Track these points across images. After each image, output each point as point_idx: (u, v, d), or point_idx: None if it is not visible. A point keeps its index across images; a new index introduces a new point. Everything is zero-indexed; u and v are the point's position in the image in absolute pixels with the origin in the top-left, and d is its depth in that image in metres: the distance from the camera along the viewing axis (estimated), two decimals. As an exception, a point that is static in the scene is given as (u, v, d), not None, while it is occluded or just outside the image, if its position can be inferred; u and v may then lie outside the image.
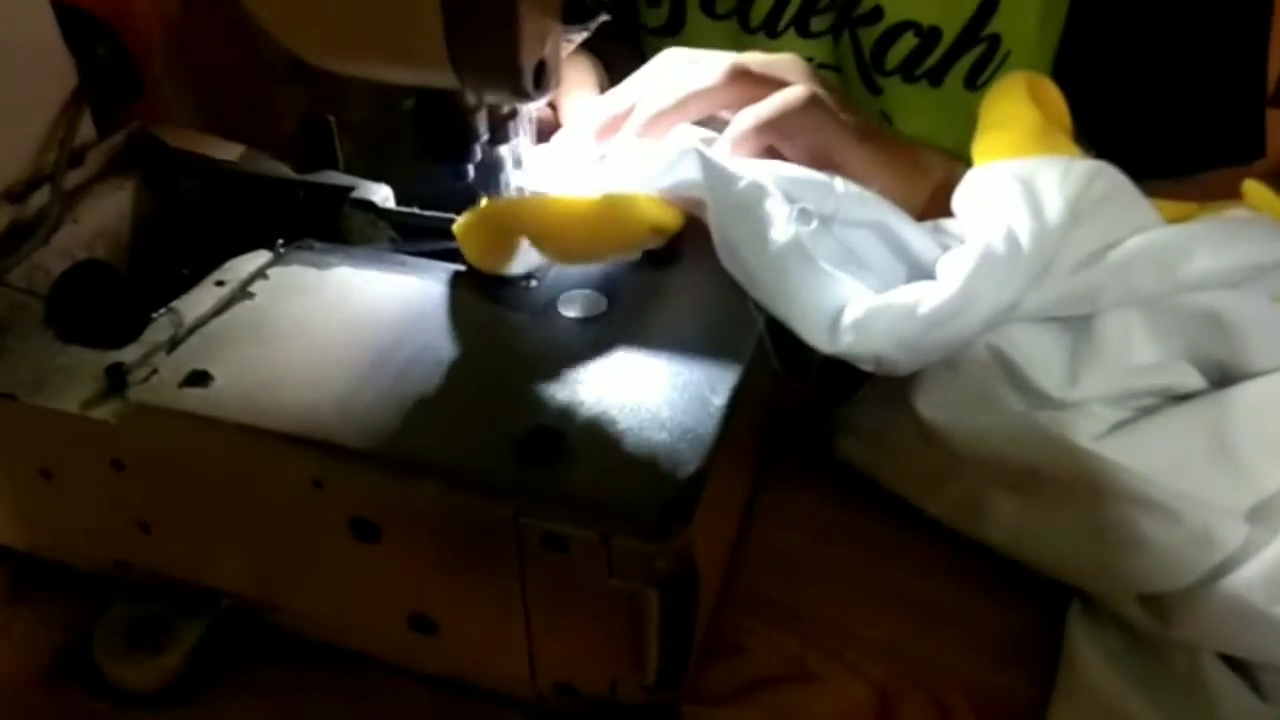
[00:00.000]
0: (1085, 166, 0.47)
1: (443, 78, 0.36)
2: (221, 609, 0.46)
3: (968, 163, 0.52)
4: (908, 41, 0.76)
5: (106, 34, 0.61)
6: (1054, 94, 0.53)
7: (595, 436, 0.38)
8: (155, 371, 0.41)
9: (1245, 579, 0.41)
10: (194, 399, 0.40)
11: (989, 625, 0.48)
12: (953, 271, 0.45)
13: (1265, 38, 0.75)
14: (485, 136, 0.40)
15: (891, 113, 0.80)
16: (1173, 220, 0.50)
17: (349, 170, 0.54)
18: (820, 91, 0.53)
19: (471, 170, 0.41)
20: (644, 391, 0.40)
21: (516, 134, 0.42)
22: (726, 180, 0.45)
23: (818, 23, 0.79)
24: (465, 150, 0.39)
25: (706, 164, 0.45)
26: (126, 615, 0.46)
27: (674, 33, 0.84)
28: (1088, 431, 0.45)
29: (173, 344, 0.43)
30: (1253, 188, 0.51)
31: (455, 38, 0.34)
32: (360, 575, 0.41)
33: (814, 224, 0.46)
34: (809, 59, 0.80)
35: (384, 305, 0.44)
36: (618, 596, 0.37)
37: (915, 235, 0.49)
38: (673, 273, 0.47)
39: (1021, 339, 0.47)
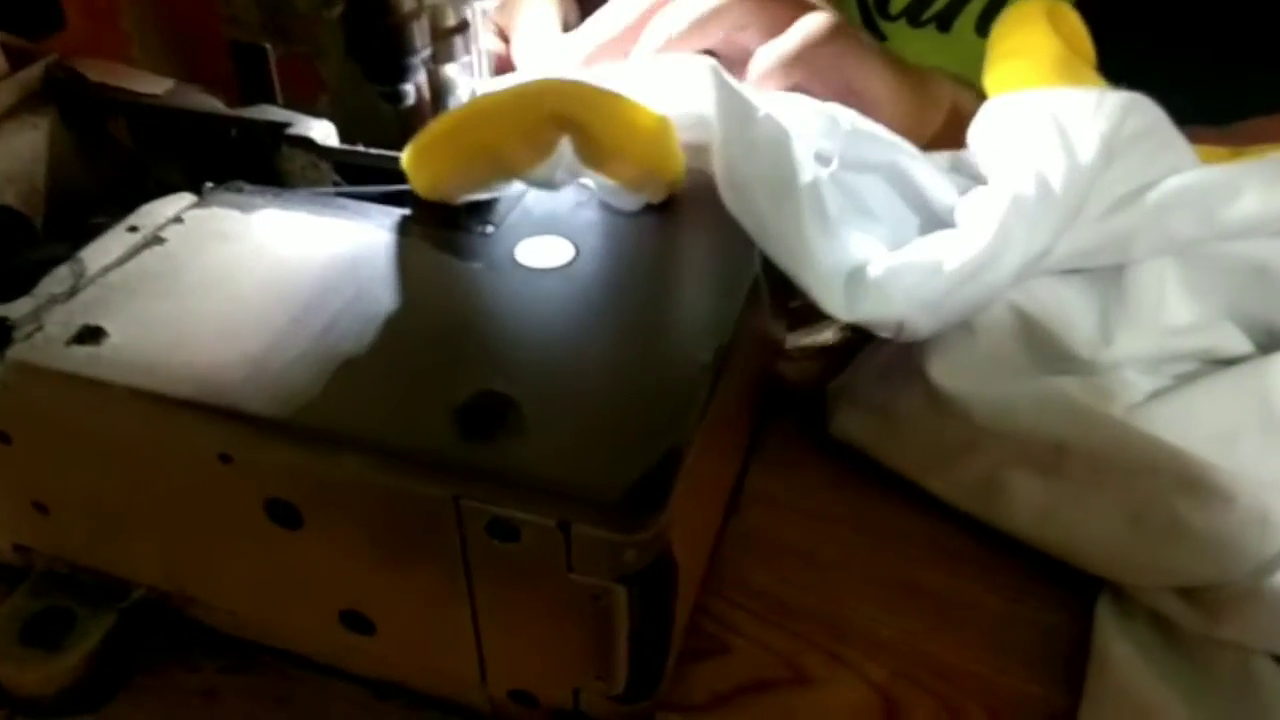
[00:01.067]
0: (1119, 99, 0.42)
1: (369, -28, 0.30)
2: (132, 602, 0.40)
3: (977, 92, 0.48)
4: None
5: (21, -45, 0.55)
6: (1076, 23, 0.48)
7: (554, 405, 0.32)
8: (41, 327, 0.35)
9: None
10: (81, 358, 0.34)
11: (1010, 621, 0.42)
12: (979, 220, 0.40)
13: None
14: (426, 52, 0.34)
15: None
16: (1210, 159, 0.45)
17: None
18: (841, 16, 0.48)
19: (411, 92, 0.35)
20: (614, 352, 0.34)
21: (466, 52, 0.36)
22: (743, 111, 0.40)
23: None
24: (399, 67, 0.33)
25: (722, 88, 0.40)
26: (24, 608, 0.40)
27: None
28: (1122, 400, 0.40)
29: (69, 296, 0.37)
30: None
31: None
32: (283, 565, 0.35)
33: (833, 166, 0.41)
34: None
35: (312, 254, 0.38)
36: (579, 593, 0.31)
37: (930, 177, 0.43)
38: (649, 217, 0.41)
39: (1046, 296, 0.42)
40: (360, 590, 0.35)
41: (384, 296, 0.36)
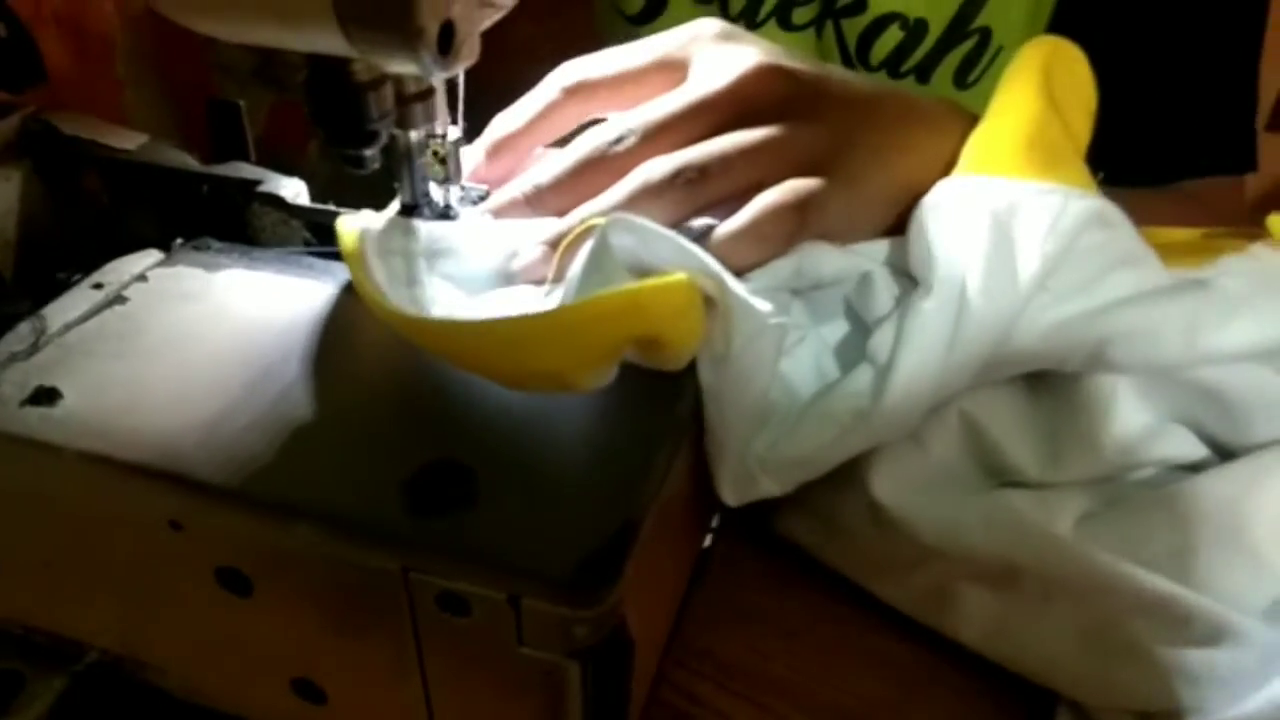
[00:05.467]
0: (1083, 213, 0.39)
1: (331, 40, 0.30)
2: (85, 665, 0.39)
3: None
4: (893, 34, 0.72)
5: (4, 12, 0.55)
6: (1078, 68, 0.45)
7: (507, 476, 0.32)
8: (-4, 387, 0.35)
9: (1274, 696, 0.34)
10: (34, 420, 0.33)
11: (985, 689, 0.41)
12: (885, 363, 0.38)
13: (1258, 43, 0.72)
14: (390, 118, 0.34)
15: None
16: (1180, 245, 0.43)
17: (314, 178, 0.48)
18: (782, 62, 0.43)
19: (375, 158, 0.35)
20: (570, 424, 0.34)
21: (432, 118, 0.36)
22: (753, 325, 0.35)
23: (800, 14, 0.75)
24: (361, 133, 0.33)
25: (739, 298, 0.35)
26: (-27, 670, 0.39)
27: (652, 18, 0.79)
28: (1072, 515, 0.38)
29: (29, 354, 0.37)
30: (1277, 222, 0.44)
31: (340, -11, 0.28)
32: (234, 632, 0.35)
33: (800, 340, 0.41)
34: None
35: (273, 317, 0.38)
36: (531, 669, 0.30)
37: (880, 294, 0.41)
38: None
39: (995, 406, 0.41)
40: (311, 659, 0.34)
41: (342, 361, 0.36)
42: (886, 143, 0.44)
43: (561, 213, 0.40)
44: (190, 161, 0.48)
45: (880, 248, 0.43)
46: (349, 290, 0.40)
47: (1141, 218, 0.42)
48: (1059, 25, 0.70)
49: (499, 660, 0.31)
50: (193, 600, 0.34)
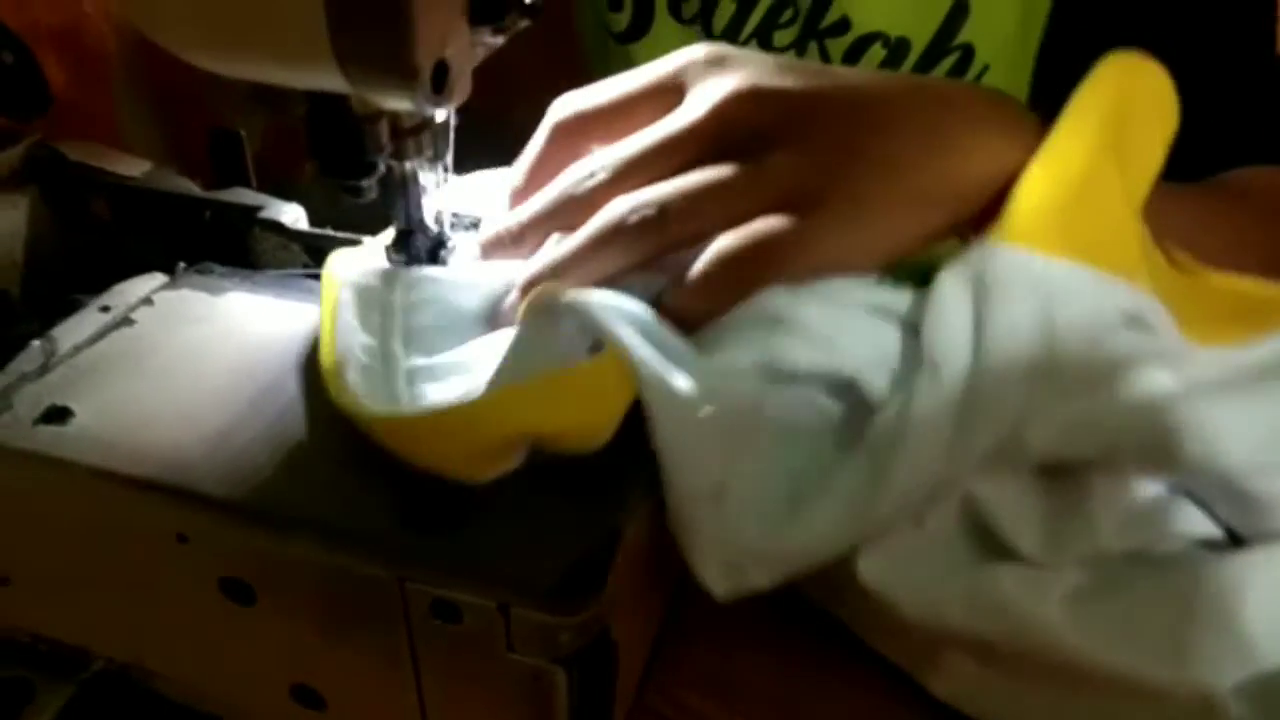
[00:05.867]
0: (1113, 312, 0.36)
1: (330, 79, 0.31)
2: (92, 673, 0.41)
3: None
4: (876, 53, 0.73)
5: (11, 40, 0.56)
6: (1158, 89, 0.39)
7: (498, 489, 0.33)
8: (10, 406, 0.37)
9: None
10: (48, 438, 0.35)
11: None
12: (885, 452, 0.35)
13: (1271, 35, 0.70)
14: (387, 150, 0.36)
15: None
16: (1232, 301, 0.40)
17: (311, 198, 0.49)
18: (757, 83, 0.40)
19: (372, 188, 0.37)
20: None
21: (426, 150, 0.38)
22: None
23: (781, 36, 0.76)
24: (359, 165, 0.35)
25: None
26: (-16, 679, 0.41)
27: (638, 36, 0.80)
28: (1063, 591, 0.36)
29: (40, 375, 0.38)
30: None
31: (340, 31, 0.30)
32: (237, 640, 0.36)
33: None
34: None
35: (275, 337, 0.40)
36: (520, 673, 0.32)
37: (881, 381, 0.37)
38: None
39: (996, 480, 0.38)
40: (311, 666, 0.36)
41: (341, 381, 0.38)
42: (907, 145, 0.39)
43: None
44: (193, 188, 0.50)
45: (898, 299, 0.39)
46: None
47: (1195, 220, 0.39)
48: (1053, 38, 0.70)
49: (489, 666, 0.32)
50: (197, 609, 0.36)
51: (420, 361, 0.38)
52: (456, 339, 0.39)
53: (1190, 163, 0.67)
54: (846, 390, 0.37)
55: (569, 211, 0.40)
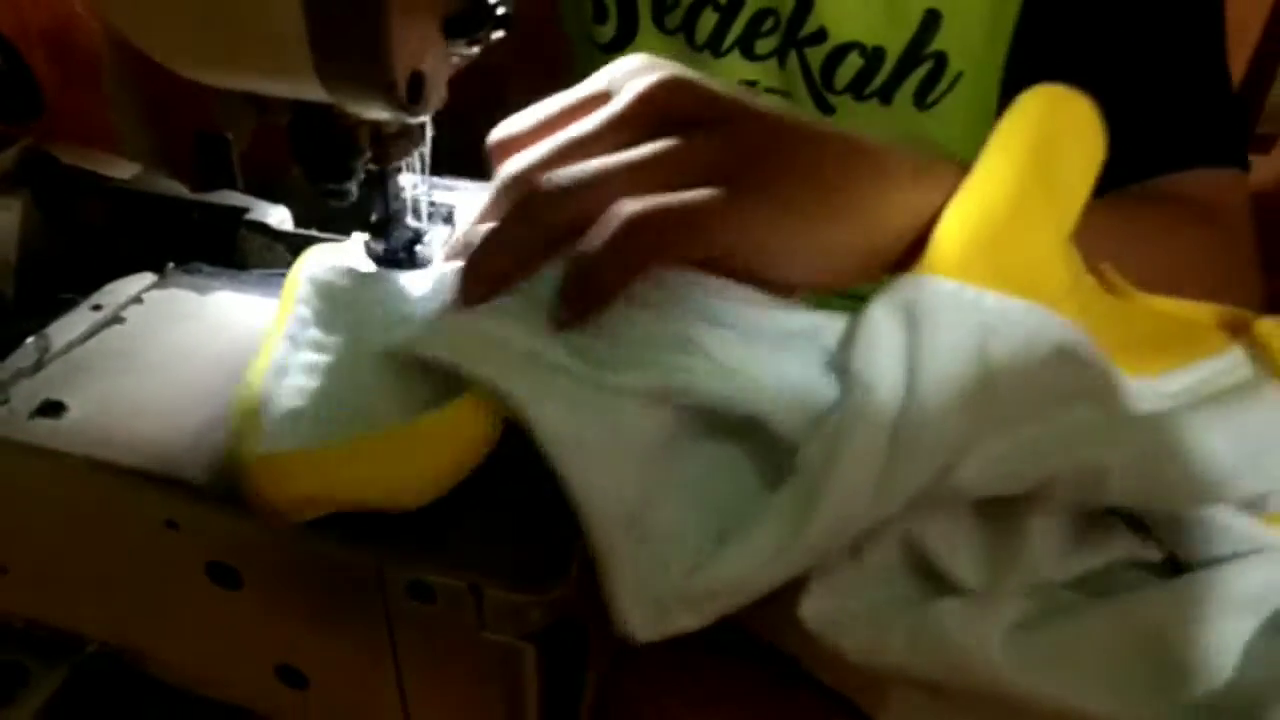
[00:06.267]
0: (1047, 344, 0.35)
1: (313, 90, 0.33)
2: (84, 656, 0.43)
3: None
4: (854, 62, 0.75)
5: (4, 47, 0.58)
6: (1082, 123, 0.37)
7: (471, 478, 0.35)
8: (7, 400, 0.38)
9: None
10: (43, 430, 0.37)
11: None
12: (813, 484, 0.33)
13: (1221, 42, 0.71)
14: (367, 155, 0.38)
15: None
16: (1161, 325, 0.39)
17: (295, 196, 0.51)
18: (678, 73, 0.39)
19: (354, 190, 0.38)
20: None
21: (407, 154, 0.40)
22: None
23: (763, 44, 0.78)
24: (342, 169, 0.37)
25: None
26: (-20, 663, 0.43)
27: (623, 46, 0.82)
28: (1005, 624, 0.35)
29: (34, 371, 0.40)
30: (1267, 328, 0.39)
31: (321, 47, 0.32)
32: (224, 623, 0.38)
33: None
34: (753, 83, 0.80)
35: (260, 333, 0.41)
36: (492, 651, 0.34)
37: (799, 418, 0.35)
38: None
39: (934, 512, 0.37)
40: (294, 646, 0.38)
41: (323, 375, 0.39)
42: (827, 178, 0.38)
43: None
44: (182, 190, 0.52)
45: (816, 326, 0.37)
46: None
47: (1133, 229, 0.39)
48: (1020, 44, 0.72)
49: (463, 643, 0.34)
50: (186, 594, 0.38)
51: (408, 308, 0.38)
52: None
53: (1142, 164, 0.70)
54: (760, 424, 0.35)
55: (502, 201, 0.39)
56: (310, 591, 0.35)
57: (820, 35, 0.75)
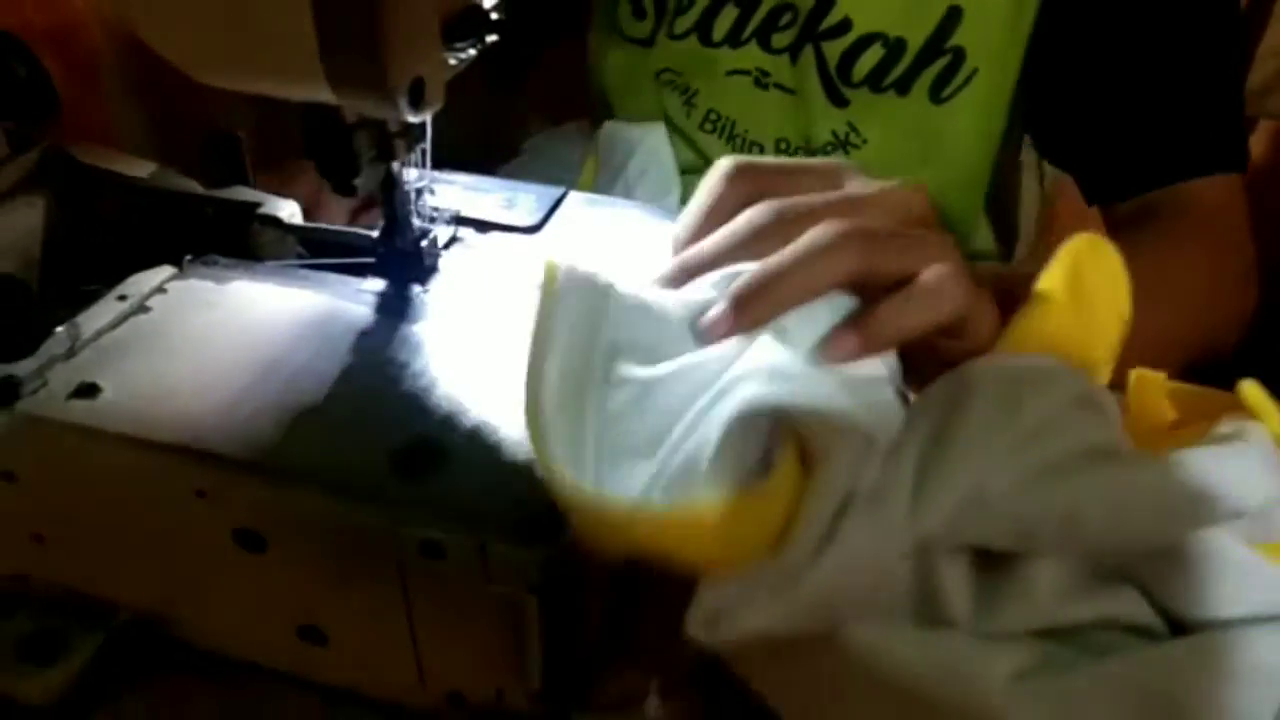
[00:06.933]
0: (1076, 388, 0.36)
1: (321, 93, 0.36)
2: (119, 622, 0.46)
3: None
4: (875, 52, 0.78)
5: (23, 52, 0.61)
6: (1110, 273, 0.39)
7: (476, 446, 0.38)
8: (46, 384, 0.41)
9: None
10: (81, 410, 0.40)
11: None
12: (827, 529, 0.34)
13: (1241, 48, 0.74)
14: (372, 153, 0.41)
15: (858, 124, 0.82)
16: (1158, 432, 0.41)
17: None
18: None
19: (361, 185, 0.42)
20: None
21: (410, 151, 0.43)
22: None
23: (779, 38, 0.81)
24: (349, 165, 0.40)
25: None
26: (21, 628, 0.46)
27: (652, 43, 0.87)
28: (1008, 667, 0.34)
29: (68, 357, 0.43)
30: (1250, 391, 0.39)
31: (329, 54, 0.35)
32: (249, 586, 0.41)
33: None
34: (765, 74, 0.83)
35: (277, 318, 0.45)
36: (497, 603, 0.37)
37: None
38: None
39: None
40: (315, 606, 0.41)
41: (337, 354, 0.43)
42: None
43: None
44: (196, 187, 0.55)
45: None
46: (339, 296, 0.47)
47: (1127, 253, 0.40)
48: (1039, 43, 0.75)
49: (471, 597, 0.37)
50: (214, 559, 0.41)
51: (625, 371, 0.36)
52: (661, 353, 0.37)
53: (1146, 175, 0.72)
54: None
55: (762, 238, 0.39)
56: (331, 553, 0.39)
57: (844, 26, 0.78)
